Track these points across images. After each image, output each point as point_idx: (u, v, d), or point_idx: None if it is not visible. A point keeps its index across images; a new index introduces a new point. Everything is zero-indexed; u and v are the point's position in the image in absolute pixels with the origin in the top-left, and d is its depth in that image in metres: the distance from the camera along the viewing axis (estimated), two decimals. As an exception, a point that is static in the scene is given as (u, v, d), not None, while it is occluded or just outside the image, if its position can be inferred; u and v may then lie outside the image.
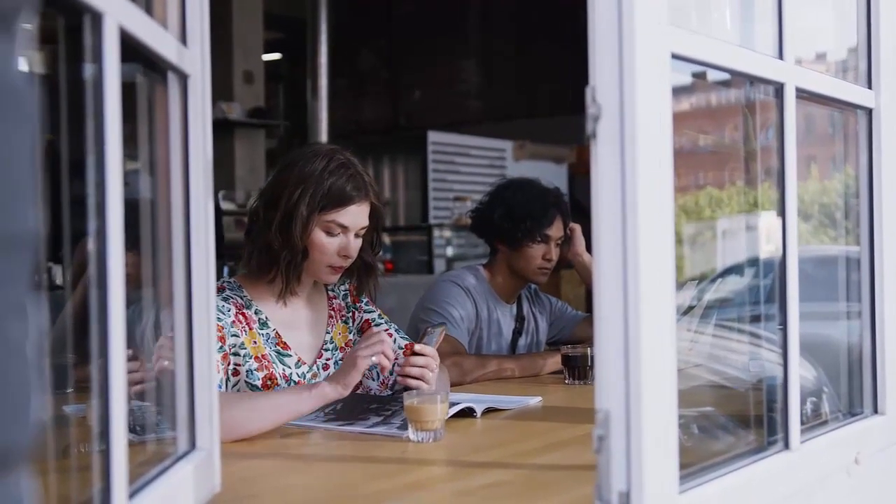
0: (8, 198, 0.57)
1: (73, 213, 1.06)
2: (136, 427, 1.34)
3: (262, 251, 2.20)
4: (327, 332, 2.34)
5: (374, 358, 1.97)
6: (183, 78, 1.35)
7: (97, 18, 1.00)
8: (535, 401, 2.34)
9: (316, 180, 2.15)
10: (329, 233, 2.18)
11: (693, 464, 1.32)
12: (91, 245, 1.02)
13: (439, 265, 7.29)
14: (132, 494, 1.09)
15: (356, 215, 2.20)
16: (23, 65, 0.60)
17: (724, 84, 1.73)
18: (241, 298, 2.21)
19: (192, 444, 1.37)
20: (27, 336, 0.59)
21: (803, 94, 1.57)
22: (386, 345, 2.00)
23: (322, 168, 2.16)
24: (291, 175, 2.17)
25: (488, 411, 2.17)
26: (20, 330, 0.58)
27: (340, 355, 2.33)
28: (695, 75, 1.46)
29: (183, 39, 1.35)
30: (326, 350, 2.32)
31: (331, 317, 2.36)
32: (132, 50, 1.12)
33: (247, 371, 2.14)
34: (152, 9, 1.27)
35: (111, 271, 1.01)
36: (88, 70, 1.02)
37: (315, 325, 2.32)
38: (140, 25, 1.12)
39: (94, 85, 1.01)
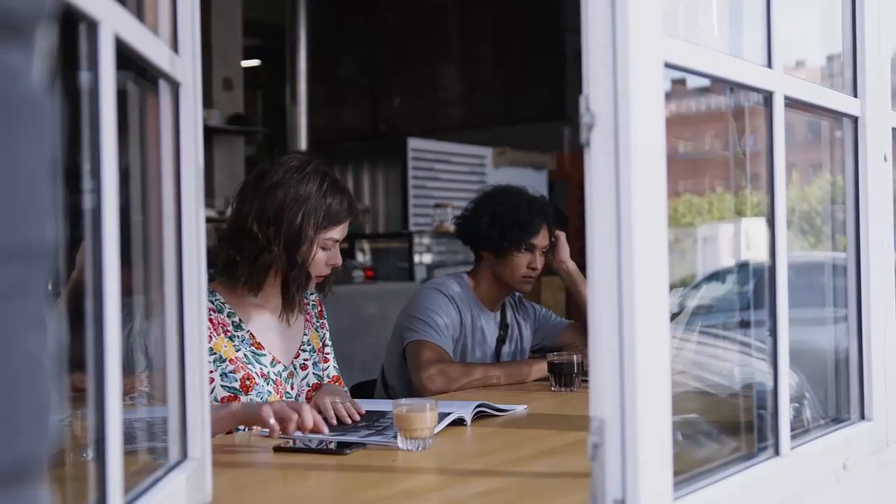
0: (27, 208, 0.56)
1: (67, 222, 1.05)
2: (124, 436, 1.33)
3: (262, 269, 2.25)
4: (304, 334, 2.42)
5: (272, 421, 1.88)
6: (175, 86, 1.34)
7: (93, 26, 0.99)
8: (521, 408, 2.34)
9: (316, 201, 2.25)
10: (324, 248, 2.29)
11: (686, 471, 1.32)
12: (86, 253, 1.01)
13: (420, 272, 7.28)
14: (126, 505, 1.09)
15: (345, 228, 2.33)
16: (41, 76, 0.59)
17: (703, 91, 1.74)
18: (213, 303, 2.25)
19: (184, 454, 1.36)
20: (46, 347, 0.58)
21: (790, 103, 1.58)
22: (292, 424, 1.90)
23: (318, 188, 2.26)
24: (286, 195, 2.23)
25: (478, 417, 2.17)
26: (39, 341, 0.58)
27: (317, 357, 2.43)
28: (674, 81, 1.47)
29: (175, 48, 1.34)
30: (304, 350, 2.41)
31: (307, 320, 2.44)
32: (124, 57, 1.11)
33: (222, 374, 2.20)
34: (143, 16, 1.26)
35: (106, 279, 1.00)
36: (83, 77, 1.02)
37: (290, 327, 2.38)
38: (134, 33, 1.12)
39: (89, 92, 1.01)
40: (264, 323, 2.33)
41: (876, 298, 1.83)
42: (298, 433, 1.96)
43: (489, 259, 3.04)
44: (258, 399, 2.21)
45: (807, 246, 2.11)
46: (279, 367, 2.31)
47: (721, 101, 1.78)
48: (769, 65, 1.52)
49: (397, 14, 9.66)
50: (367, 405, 2.26)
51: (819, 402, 1.90)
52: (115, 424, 1.01)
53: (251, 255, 2.23)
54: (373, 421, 2.12)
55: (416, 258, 7.36)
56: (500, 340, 3.12)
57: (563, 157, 8.45)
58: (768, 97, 1.52)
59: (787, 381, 1.53)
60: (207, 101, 7.18)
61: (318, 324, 2.49)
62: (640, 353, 1.16)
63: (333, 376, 2.45)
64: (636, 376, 1.15)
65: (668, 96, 1.50)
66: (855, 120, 1.83)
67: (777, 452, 1.51)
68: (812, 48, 2.09)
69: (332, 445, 1.88)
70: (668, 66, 1.24)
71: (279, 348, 2.33)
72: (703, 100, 1.83)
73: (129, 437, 1.39)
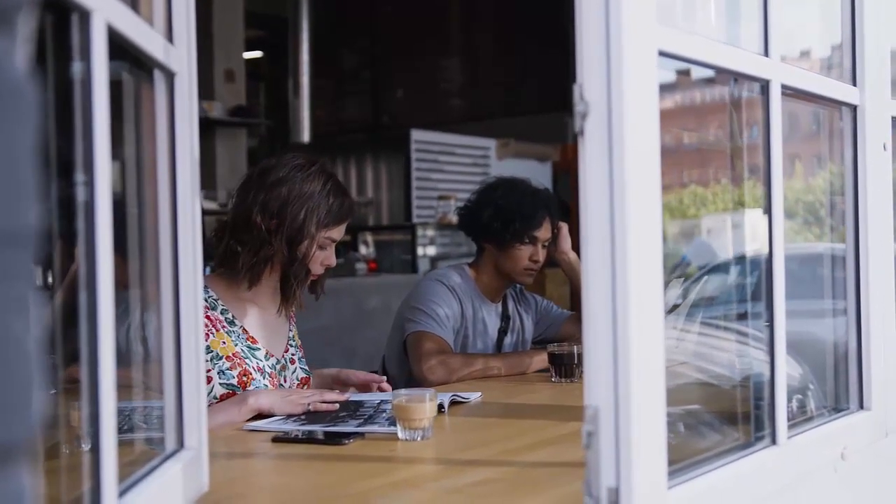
0: (11, 194, 0.57)
1: (58, 213, 1.06)
2: (122, 427, 1.34)
3: (262, 262, 2.28)
4: (290, 331, 2.47)
5: (310, 407, 2.13)
6: (170, 76, 1.34)
7: (85, 16, 0.99)
8: (476, 395, 2.38)
9: (318, 200, 2.28)
10: (321, 247, 2.32)
11: (682, 460, 1.32)
12: (79, 245, 1.01)
13: (423, 264, 7.28)
14: (121, 493, 1.09)
15: (343, 230, 2.37)
16: (22, 63, 0.60)
17: (709, 82, 1.74)
18: (206, 300, 2.26)
19: (181, 444, 1.36)
20: (29, 332, 0.59)
21: (788, 91, 1.58)
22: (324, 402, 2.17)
23: (321, 187, 2.30)
24: (290, 192, 2.26)
25: (453, 404, 2.22)
26: (22, 325, 0.58)
27: (301, 353, 2.48)
28: (679, 72, 1.47)
29: (169, 37, 1.34)
30: (291, 346, 2.45)
31: (291, 318, 2.49)
32: (118, 48, 1.11)
33: (219, 372, 2.22)
34: (138, 6, 1.26)
35: (100, 271, 1.01)
36: (76, 67, 1.02)
37: (278, 323, 2.42)
38: (128, 23, 1.12)
39: (81, 83, 1.01)
40: (255, 318, 2.36)
41: (875, 288, 1.83)
42: (292, 425, 1.98)
43: (491, 251, 3.04)
44: None
45: (811, 238, 2.11)
46: (272, 361, 2.35)
47: (726, 91, 1.78)
48: (766, 53, 1.51)
49: (399, 6, 9.66)
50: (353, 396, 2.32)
51: (822, 393, 1.90)
52: (108, 414, 1.01)
53: (252, 248, 2.26)
54: (353, 410, 2.13)
55: (420, 250, 7.36)
56: (502, 332, 3.12)
57: (567, 149, 8.43)
58: (765, 86, 1.52)
59: (784, 370, 1.53)
60: (209, 93, 7.18)
61: (296, 321, 2.54)
62: (634, 341, 1.16)
63: (302, 378, 2.46)
64: (630, 364, 1.15)
65: (673, 87, 1.50)
66: (854, 109, 1.82)
67: (774, 442, 1.52)
68: (816, 39, 2.09)
69: (330, 436, 1.89)
70: (662, 54, 1.24)
71: (270, 343, 2.37)
72: (708, 90, 1.83)
73: (128, 427, 1.40)
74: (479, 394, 2.40)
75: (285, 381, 2.37)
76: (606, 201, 1.17)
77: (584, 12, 1.17)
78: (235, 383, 2.22)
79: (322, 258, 2.33)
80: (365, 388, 2.43)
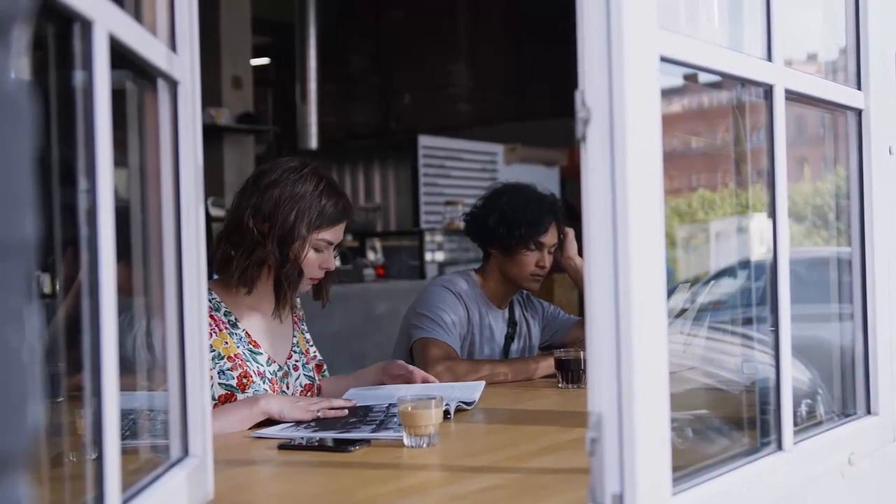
0: (5, 205, 0.57)
1: (63, 221, 1.06)
2: (125, 433, 1.34)
3: (255, 265, 2.27)
4: (294, 336, 2.46)
5: (319, 413, 2.12)
6: (173, 84, 1.34)
7: (87, 26, 1.00)
8: (479, 386, 2.40)
9: (310, 201, 2.28)
10: (317, 249, 2.32)
11: (687, 466, 1.32)
12: (82, 253, 1.02)
13: (431, 270, 7.28)
14: (125, 502, 1.09)
15: (341, 232, 2.36)
16: (18, 72, 0.60)
17: (716, 86, 1.74)
18: (210, 302, 2.27)
19: (185, 451, 1.37)
20: (24, 342, 0.59)
21: (793, 96, 1.57)
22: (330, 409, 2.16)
23: (313, 189, 2.29)
24: (282, 194, 2.27)
25: (458, 410, 2.21)
26: (17, 336, 0.58)
27: (305, 359, 2.46)
28: (686, 77, 1.47)
29: (172, 46, 1.35)
30: (295, 352, 2.44)
31: (295, 324, 2.48)
32: (121, 56, 1.12)
33: (219, 372, 2.22)
34: (141, 15, 1.27)
35: (102, 279, 1.01)
36: (78, 77, 1.02)
37: (282, 329, 2.42)
38: (130, 32, 1.12)
39: (83, 92, 1.01)
40: (258, 323, 2.36)
41: (881, 292, 1.82)
42: (303, 432, 1.98)
43: (497, 257, 3.04)
44: None
45: (820, 241, 2.10)
46: (274, 367, 2.34)
47: (733, 96, 1.77)
48: (769, 58, 1.51)
49: (406, 11, 9.66)
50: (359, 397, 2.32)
51: (831, 397, 1.89)
52: (111, 422, 1.02)
53: (246, 251, 2.26)
54: (363, 416, 2.13)
55: (428, 256, 7.36)
56: (509, 338, 3.12)
57: (574, 153, 8.42)
58: (768, 91, 1.52)
59: (790, 375, 1.53)
60: (216, 100, 7.18)
61: (303, 327, 2.53)
62: (638, 347, 1.15)
63: (306, 384, 2.46)
64: (633, 370, 1.15)
65: (681, 91, 1.50)
66: (859, 113, 1.82)
67: (780, 447, 1.51)
68: (822, 43, 2.08)
69: (336, 442, 1.89)
70: (664, 60, 1.24)
71: (273, 348, 2.37)
72: (716, 94, 1.83)
73: (131, 433, 1.40)
74: (483, 383, 2.42)
75: (287, 387, 2.36)
76: (609, 207, 1.17)
77: (586, 18, 1.17)
78: (235, 384, 2.23)
79: (319, 261, 2.32)
80: (408, 380, 2.44)
